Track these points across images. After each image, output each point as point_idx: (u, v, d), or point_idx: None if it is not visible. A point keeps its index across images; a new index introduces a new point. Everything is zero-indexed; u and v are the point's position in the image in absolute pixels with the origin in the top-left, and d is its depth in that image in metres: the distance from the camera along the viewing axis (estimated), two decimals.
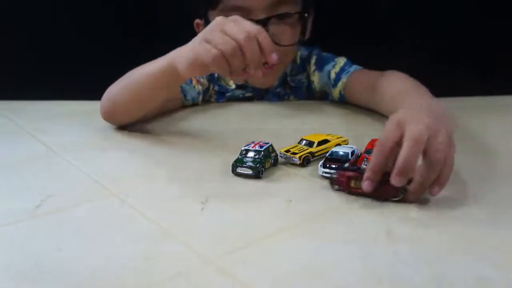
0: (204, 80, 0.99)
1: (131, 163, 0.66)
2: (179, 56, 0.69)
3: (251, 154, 0.60)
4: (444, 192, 0.53)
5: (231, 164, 0.59)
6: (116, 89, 0.80)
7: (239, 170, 0.59)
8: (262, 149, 0.60)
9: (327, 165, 0.58)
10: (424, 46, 1.11)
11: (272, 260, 0.40)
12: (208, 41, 0.63)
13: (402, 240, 0.43)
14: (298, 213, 0.49)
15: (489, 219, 0.47)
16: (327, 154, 0.61)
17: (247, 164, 0.58)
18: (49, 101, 1.04)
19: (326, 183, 0.56)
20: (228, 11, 0.87)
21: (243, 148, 0.61)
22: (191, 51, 0.66)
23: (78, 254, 0.42)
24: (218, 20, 0.64)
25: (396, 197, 0.50)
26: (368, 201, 0.51)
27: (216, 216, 0.49)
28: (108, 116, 0.81)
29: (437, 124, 0.51)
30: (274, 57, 0.62)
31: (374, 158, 0.50)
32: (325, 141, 0.65)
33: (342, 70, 0.95)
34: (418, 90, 0.73)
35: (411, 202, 0.50)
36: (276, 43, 0.86)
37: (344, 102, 0.95)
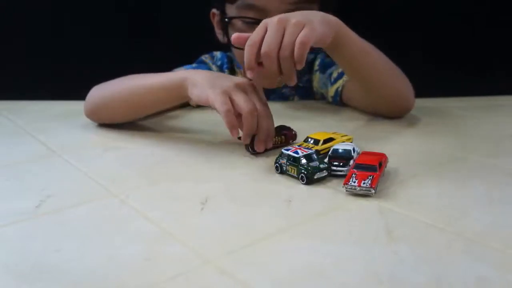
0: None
1: (131, 163, 0.66)
2: (194, 84, 0.69)
3: (303, 160, 0.57)
4: (444, 192, 0.53)
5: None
6: (107, 94, 0.81)
7: (317, 175, 0.55)
8: (311, 154, 0.58)
9: (332, 163, 0.58)
10: (424, 46, 1.11)
11: (272, 260, 0.40)
12: (227, 95, 0.65)
13: (402, 240, 0.43)
14: (298, 213, 0.49)
15: (489, 219, 0.47)
16: (329, 152, 0.60)
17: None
18: (49, 101, 1.04)
19: (327, 182, 0.56)
20: (245, 9, 0.88)
21: (290, 153, 0.58)
22: (206, 92, 0.66)
23: (78, 254, 0.42)
24: (241, 83, 0.67)
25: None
26: (368, 201, 0.51)
27: (216, 216, 0.49)
28: (93, 116, 0.84)
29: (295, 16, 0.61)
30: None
31: (246, 54, 0.61)
32: (331, 139, 0.66)
33: None
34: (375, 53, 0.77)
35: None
36: None
37: (337, 104, 0.95)
